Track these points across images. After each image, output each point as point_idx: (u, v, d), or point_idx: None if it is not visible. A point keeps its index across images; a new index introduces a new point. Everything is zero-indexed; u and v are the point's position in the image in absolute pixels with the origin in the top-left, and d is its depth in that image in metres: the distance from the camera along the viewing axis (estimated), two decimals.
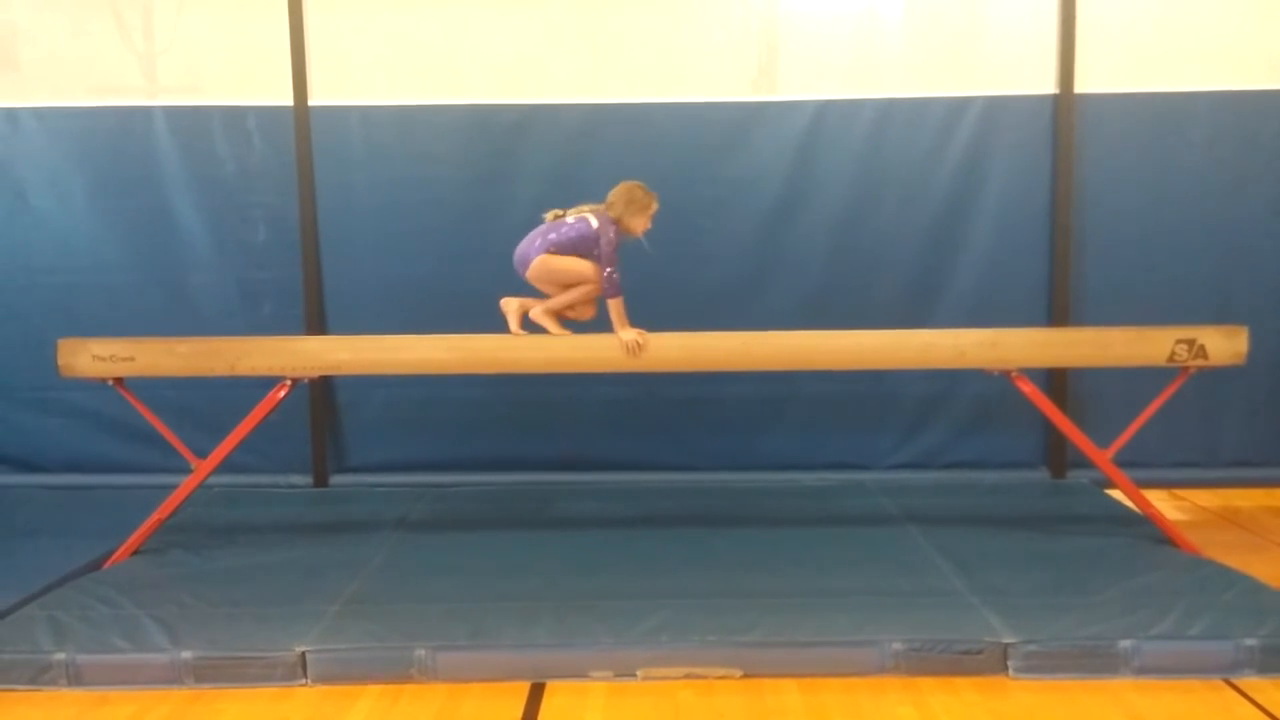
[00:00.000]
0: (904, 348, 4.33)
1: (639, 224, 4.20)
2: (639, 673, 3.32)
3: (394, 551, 4.37)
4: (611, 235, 4.14)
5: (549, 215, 4.27)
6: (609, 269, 4.12)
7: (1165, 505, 5.08)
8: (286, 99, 5.37)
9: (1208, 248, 5.36)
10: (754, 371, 4.87)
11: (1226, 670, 3.29)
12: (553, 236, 4.17)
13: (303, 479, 5.57)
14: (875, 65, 5.40)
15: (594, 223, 4.17)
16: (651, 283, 5.36)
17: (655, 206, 4.22)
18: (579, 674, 3.33)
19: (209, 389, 4.97)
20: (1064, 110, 5.28)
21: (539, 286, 4.26)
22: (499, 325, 4.56)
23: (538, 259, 4.16)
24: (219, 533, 4.64)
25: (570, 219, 4.22)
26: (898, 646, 3.33)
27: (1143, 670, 3.29)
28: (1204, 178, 5.32)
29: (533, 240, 4.20)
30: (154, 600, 3.75)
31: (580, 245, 4.17)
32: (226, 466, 4.51)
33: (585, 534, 4.61)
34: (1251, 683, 3.25)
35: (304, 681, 3.32)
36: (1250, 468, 5.49)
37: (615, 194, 4.19)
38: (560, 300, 4.25)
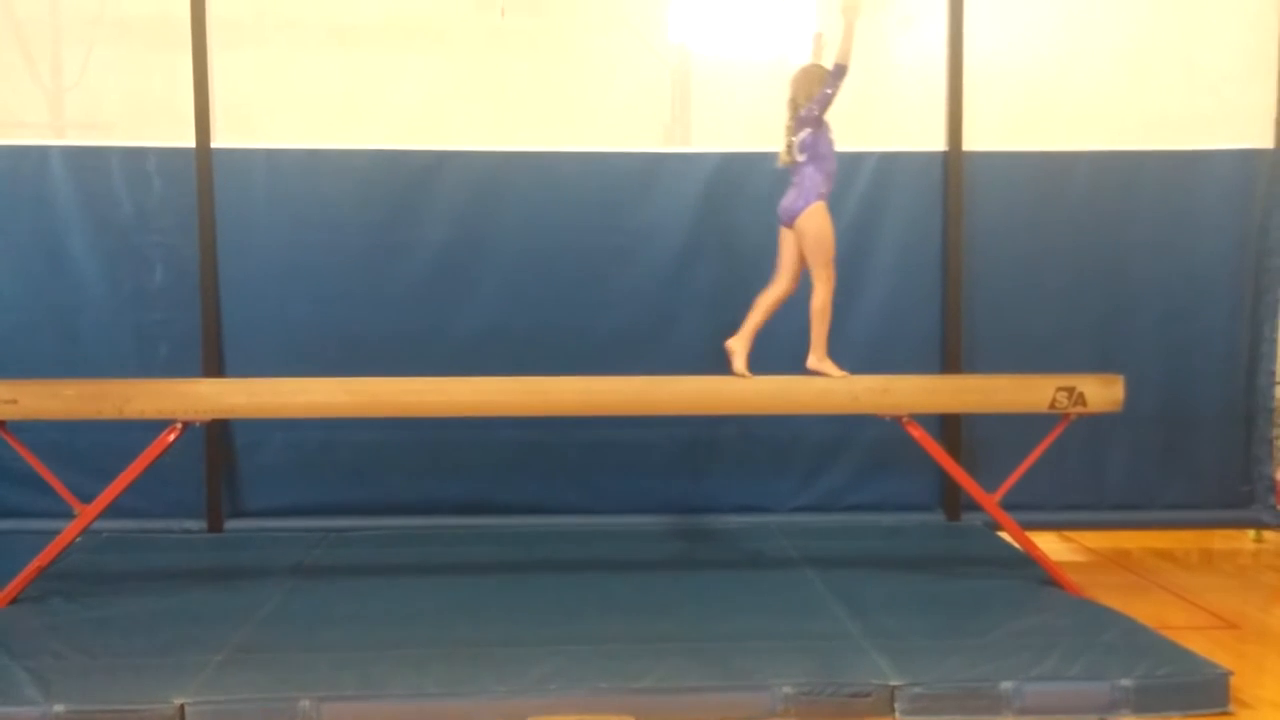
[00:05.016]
0: (800, 393, 4.43)
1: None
2: None
3: (286, 599, 4.28)
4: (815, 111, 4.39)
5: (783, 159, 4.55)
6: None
7: (1057, 547, 5.25)
8: (189, 140, 5.30)
9: (1088, 299, 5.56)
10: (657, 416, 4.93)
11: (1104, 710, 3.37)
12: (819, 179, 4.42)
13: (197, 524, 5.41)
14: (778, 120, 5.53)
15: (805, 146, 4.44)
16: (554, 328, 5.43)
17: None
18: None
19: (99, 431, 4.82)
20: (953, 166, 5.48)
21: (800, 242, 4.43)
22: (400, 369, 4.55)
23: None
24: (104, 580, 4.50)
25: (799, 157, 4.47)
26: (788, 690, 3.36)
27: (1024, 711, 3.36)
28: (1084, 232, 5.54)
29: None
30: (29, 651, 3.62)
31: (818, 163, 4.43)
32: (118, 511, 4.39)
33: (483, 579, 4.57)
34: None
35: None
36: (1135, 510, 5.66)
37: (795, 84, 4.51)
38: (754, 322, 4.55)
